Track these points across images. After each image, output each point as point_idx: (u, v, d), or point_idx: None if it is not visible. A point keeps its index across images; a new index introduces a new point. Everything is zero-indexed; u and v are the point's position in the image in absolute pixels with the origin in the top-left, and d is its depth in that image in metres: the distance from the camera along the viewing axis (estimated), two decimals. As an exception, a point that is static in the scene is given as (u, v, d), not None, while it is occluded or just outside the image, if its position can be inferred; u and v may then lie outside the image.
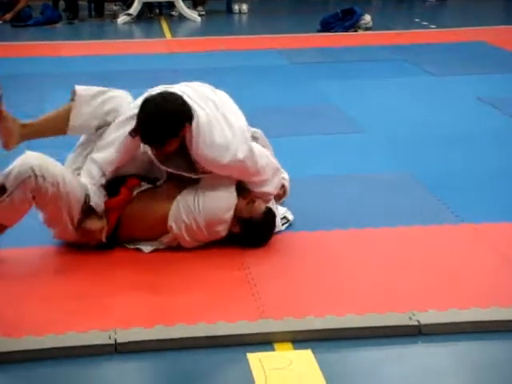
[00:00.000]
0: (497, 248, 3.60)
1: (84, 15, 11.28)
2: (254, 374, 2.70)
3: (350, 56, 8.12)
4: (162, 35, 9.98)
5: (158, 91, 3.56)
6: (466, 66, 7.46)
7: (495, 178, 4.48)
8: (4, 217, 3.48)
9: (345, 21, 9.66)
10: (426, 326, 2.93)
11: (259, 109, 5.49)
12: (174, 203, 3.58)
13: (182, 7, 11.07)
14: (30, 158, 3.44)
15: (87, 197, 3.54)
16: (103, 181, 3.58)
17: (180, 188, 3.63)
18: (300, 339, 2.89)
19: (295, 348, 2.85)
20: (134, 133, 3.50)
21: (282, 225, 3.81)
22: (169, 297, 3.21)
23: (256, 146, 3.66)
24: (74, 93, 3.65)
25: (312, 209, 4.02)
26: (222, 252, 3.57)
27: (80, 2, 11.29)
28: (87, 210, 3.56)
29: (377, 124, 5.57)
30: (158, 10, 11.64)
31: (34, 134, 3.66)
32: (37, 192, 3.42)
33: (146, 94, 3.59)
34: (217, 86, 3.85)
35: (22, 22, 10.56)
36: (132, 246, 3.63)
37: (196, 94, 3.61)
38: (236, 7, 11.68)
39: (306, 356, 2.79)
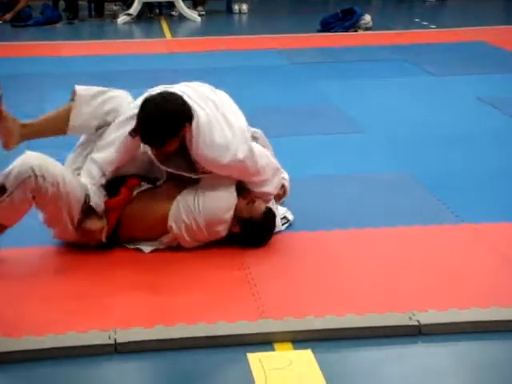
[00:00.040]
0: (497, 248, 3.60)
1: (84, 15, 11.28)
2: (254, 373, 2.70)
3: (350, 56, 8.12)
4: (162, 35, 9.98)
5: (158, 91, 3.56)
6: (466, 66, 7.46)
7: (495, 178, 4.48)
8: (4, 217, 3.48)
9: (345, 21, 9.67)
10: (425, 326, 2.93)
11: (259, 109, 5.49)
12: (174, 203, 3.58)
13: (182, 7, 11.07)
14: (29, 158, 3.44)
15: (87, 197, 3.54)
16: (103, 181, 3.58)
17: (180, 188, 3.63)
18: (300, 339, 2.89)
19: (295, 348, 2.85)
20: (133, 133, 3.50)
21: (282, 225, 3.81)
22: (169, 297, 3.21)
23: (256, 146, 3.66)
24: (73, 93, 3.65)
25: (312, 209, 4.02)
26: (222, 252, 3.57)
27: (80, 2, 11.29)
28: (87, 210, 3.56)
29: (377, 124, 5.57)
30: (157, 10, 11.64)
31: (34, 134, 3.66)
32: (37, 192, 3.42)
33: (145, 94, 3.59)
34: (217, 86, 3.85)
35: (22, 21, 10.56)
36: (132, 246, 3.63)
37: (196, 94, 3.61)
38: (236, 7, 11.68)
39: (305, 356, 2.79)
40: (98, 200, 3.56)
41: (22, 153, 3.49)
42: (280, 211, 3.85)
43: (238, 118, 3.66)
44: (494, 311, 3.01)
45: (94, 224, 3.56)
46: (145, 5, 11.07)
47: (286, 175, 3.94)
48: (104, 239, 3.59)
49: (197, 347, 2.86)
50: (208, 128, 3.48)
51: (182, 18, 11.10)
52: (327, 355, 2.80)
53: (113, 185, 3.63)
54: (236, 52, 8.52)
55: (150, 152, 3.61)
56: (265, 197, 3.67)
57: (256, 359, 2.77)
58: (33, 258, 3.61)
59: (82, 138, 3.74)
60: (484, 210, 4.01)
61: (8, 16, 10.64)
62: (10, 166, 3.43)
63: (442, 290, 3.20)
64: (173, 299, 3.18)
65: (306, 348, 2.83)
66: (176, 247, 3.60)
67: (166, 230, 3.59)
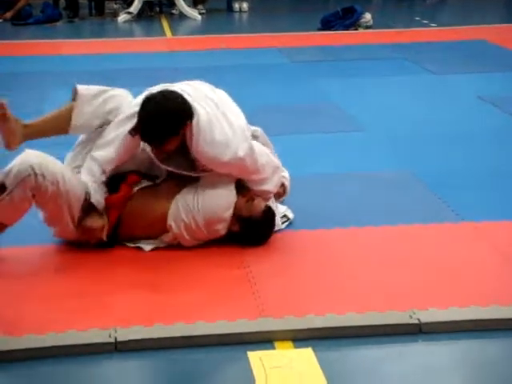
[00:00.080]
0: (497, 246, 3.60)
1: (84, 13, 11.28)
2: (255, 372, 2.70)
3: (350, 54, 8.12)
4: (163, 34, 9.98)
5: (159, 90, 3.56)
6: (466, 65, 7.46)
7: (495, 177, 4.47)
8: (4, 215, 3.48)
9: (345, 19, 9.66)
10: (426, 324, 2.92)
11: (260, 107, 5.49)
12: (174, 202, 3.58)
13: (183, 5, 11.07)
14: (29, 157, 3.44)
15: (87, 194, 3.54)
16: (103, 178, 3.58)
17: (180, 187, 3.62)
18: (300, 338, 2.89)
19: (295, 346, 2.85)
20: (134, 131, 3.50)
21: (282, 223, 3.80)
22: (169, 295, 3.21)
23: (256, 145, 3.66)
24: (75, 92, 3.65)
25: (312, 207, 4.01)
26: (221, 250, 3.57)
27: (80, 1, 11.29)
28: (88, 208, 3.56)
29: (377, 122, 5.56)
30: (158, 9, 11.64)
31: (36, 133, 3.67)
32: (36, 190, 3.42)
33: (145, 93, 3.59)
34: (217, 84, 3.85)
35: (23, 20, 10.56)
36: (132, 245, 3.63)
37: (196, 92, 3.61)
38: (236, 5, 11.68)
39: (306, 354, 2.79)
40: (98, 197, 3.56)
41: (22, 151, 3.50)
42: (280, 210, 3.85)
43: (237, 116, 3.66)
44: (494, 309, 3.01)
45: (94, 222, 3.56)
46: (145, 3, 11.07)
47: (286, 174, 3.94)
48: (105, 237, 3.59)
49: (196, 346, 2.86)
50: (208, 126, 3.48)
51: (182, 16, 11.10)
52: (327, 353, 2.80)
53: (113, 182, 3.63)
54: (236, 50, 8.52)
55: (149, 151, 3.61)
56: (264, 195, 3.67)
57: (256, 358, 2.77)
58: (33, 256, 3.61)
59: (82, 136, 3.74)
60: (484, 209, 4.01)
61: (8, 14, 10.65)
62: (10, 165, 3.43)
63: (442, 289, 3.20)
64: (173, 298, 3.18)
65: (306, 346, 2.83)
66: (176, 246, 3.60)
67: (165, 229, 3.58)
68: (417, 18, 10.49)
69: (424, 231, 3.78)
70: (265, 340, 2.87)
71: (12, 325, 2.96)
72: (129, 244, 3.64)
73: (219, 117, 3.55)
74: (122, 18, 10.80)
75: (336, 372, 2.71)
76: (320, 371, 2.70)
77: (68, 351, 2.81)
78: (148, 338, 2.86)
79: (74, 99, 3.65)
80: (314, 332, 2.90)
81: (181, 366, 2.79)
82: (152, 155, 3.62)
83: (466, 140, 5.13)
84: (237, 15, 11.54)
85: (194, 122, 3.47)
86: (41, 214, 3.59)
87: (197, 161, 3.58)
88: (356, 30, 9.62)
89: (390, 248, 3.62)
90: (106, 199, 3.59)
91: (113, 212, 3.60)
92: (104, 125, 3.62)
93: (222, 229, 3.57)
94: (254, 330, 2.90)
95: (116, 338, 2.84)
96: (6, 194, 3.40)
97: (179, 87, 3.61)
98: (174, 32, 10.10)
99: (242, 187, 3.64)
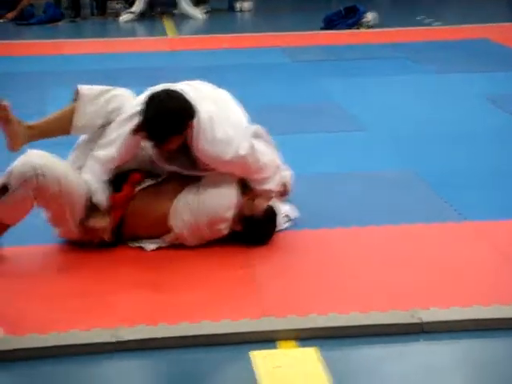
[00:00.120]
0: (499, 246, 3.60)
1: (86, 13, 11.29)
2: (258, 372, 2.70)
3: (352, 54, 8.12)
4: (165, 33, 9.98)
5: (161, 89, 3.56)
6: (468, 64, 7.45)
7: (498, 176, 4.47)
8: (6, 215, 3.49)
9: (348, 18, 9.66)
10: (428, 323, 2.93)
11: (262, 107, 5.49)
12: (175, 202, 3.58)
13: (185, 5, 11.08)
14: (32, 157, 3.44)
15: (90, 194, 3.54)
16: (106, 177, 3.59)
17: (183, 186, 3.63)
18: (303, 337, 2.89)
19: (299, 346, 2.86)
20: (137, 130, 3.50)
21: (284, 223, 3.80)
22: (172, 295, 3.21)
23: (257, 144, 3.66)
24: (77, 92, 3.66)
25: (315, 207, 4.01)
26: (224, 250, 3.57)
27: (82, 1, 11.30)
28: (90, 208, 3.57)
29: (379, 122, 5.56)
30: (160, 9, 11.64)
31: (38, 135, 3.68)
32: (39, 191, 3.43)
33: (148, 92, 3.60)
34: (220, 83, 3.85)
35: (25, 20, 10.58)
36: (135, 244, 3.64)
37: (196, 92, 3.61)
38: (238, 5, 11.68)
39: (309, 354, 2.79)
40: (100, 197, 3.56)
41: (25, 152, 3.50)
42: (282, 209, 3.84)
43: (239, 115, 3.66)
44: (495, 309, 3.01)
45: (97, 222, 3.56)
46: (147, 3, 11.07)
47: (288, 173, 3.94)
48: (108, 238, 3.59)
49: (200, 345, 2.86)
50: (209, 124, 3.49)
51: (184, 16, 11.10)
52: (330, 353, 2.80)
53: (115, 181, 3.63)
54: (238, 50, 8.52)
55: (151, 150, 3.62)
56: (266, 194, 3.67)
57: (260, 357, 2.77)
58: (36, 256, 3.61)
59: (84, 136, 3.75)
60: (487, 208, 4.01)
61: (11, 15, 10.66)
62: (13, 165, 3.44)
63: (444, 288, 3.20)
64: (176, 297, 3.19)
65: (309, 346, 2.83)
66: (179, 245, 3.60)
67: (168, 229, 3.59)
68: (419, 17, 10.48)
69: (426, 231, 3.78)
70: (268, 339, 2.88)
71: (14, 324, 2.96)
72: (131, 244, 3.64)
73: (220, 116, 3.56)
74: (124, 17, 10.80)
75: (339, 371, 2.71)
76: (323, 370, 2.70)
77: (70, 351, 2.82)
78: (150, 338, 2.86)
79: (75, 99, 3.66)
80: (317, 331, 2.91)
81: (184, 366, 2.79)
82: (154, 154, 3.62)
83: (468, 139, 5.12)
84: (239, 15, 11.54)
85: (195, 120, 3.47)
86: (44, 215, 3.59)
87: (198, 160, 3.58)
88: (358, 29, 9.62)
89: (392, 247, 3.62)
90: (108, 199, 3.59)
91: (115, 212, 3.60)
92: (106, 124, 3.62)
93: (224, 228, 3.57)
94: (257, 330, 2.91)
95: (119, 338, 2.85)
96: (8, 194, 3.41)
97: (180, 87, 3.61)
98: (176, 32, 10.10)
99: (244, 186, 3.64)
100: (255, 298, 3.17)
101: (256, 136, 3.74)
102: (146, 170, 3.70)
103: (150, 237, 3.63)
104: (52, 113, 3.76)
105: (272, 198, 3.73)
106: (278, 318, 2.97)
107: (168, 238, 3.61)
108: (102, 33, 10.28)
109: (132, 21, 10.79)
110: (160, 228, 3.61)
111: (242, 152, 3.52)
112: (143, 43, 9.32)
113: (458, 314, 2.98)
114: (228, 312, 3.02)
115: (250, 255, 3.53)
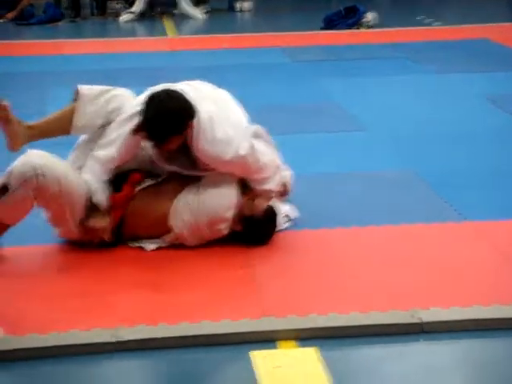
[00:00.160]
0: (499, 246, 3.60)
1: (86, 13, 11.29)
2: (258, 372, 2.70)
3: (352, 54, 8.12)
4: (165, 33, 9.98)
5: (161, 89, 3.57)
6: (469, 64, 7.45)
7: (498, 176, 4.47)
8: (6, 215, 3.49)
9: (348, 18, 9.66)
10: (428, 323, 2.93)
11: (262, 107, 5.49)
12: (175, 202, 3.58)
13: (185, 5, 11.08)
14: (32, 157, 3.45)
15: (90, 194, 3.54)
16: (106, 177, 3.59)
17: (183, 186, 3.63)
18: (303, 337, 2.89)
19: (299, 346, 2.86)
20: (137, 130, 3.51)
21: (284, 223, 3.80)
22: (172, 295, 3.21)
23: (257, 144, 3.66)
24: (77, 92, 3.66)
25: (315, 207, 4.01)
26: (224, 250, 3.58)
27: (82, 1, 11.30)
28: (90, 208, 3.57)
29: (379, 122, 5.56)
30: (160, 8, 11.64)
31: (39, 135, 3.68)
32: (39, 191, 3.43)
33: (148, 92, 3.60)
34: (219, 83, 3.85)
35: (25, 20, 10.58)
36: (135, 244, 3.64)
37: (196, 92, 3.61)
38: (237, 5, 11.68)
39: (309, 354, 2.79)
40: (100, 197, 3.56)
41: (25, 152, 3.50)
42: (282, 209, 3.84)
43: (239, 115, 3.67)
44: (495, 309, 3.01)
45: (97, 222, 3.56)
46: (147, 3, 11.07)
47: (288, 173, 3.94)
48: (108, 238, 3.59)
49: (200, 345, 2.86)
50: (209, 124, 3.49)
51: (184, 16, 11.11)
52: (331, 353, 2.80)
53: (116, 181, 3.63)
54: (238, 50, 8.52)
55: (150, 150, 3.62)
56: (266, 194, 3.67)
57: (260, 357, 2.77)
58: (35, 256, 3.62)
59: (84, 136, 3.75)
60: (487, 208, 4.01)
61: (11, 15, 10.67)
62: (13, 165, 3.44)
63: (444, 288, 3.20)
64: (176, 297, 3.19)
65: (309, 346, 2.84)
66: (179, 245, 3.60)
67: (168, 229, 3.59)
68: (419, 17, 10.48)
69: (426, 231, 3.78)
70: (268, 339, 2.88)
71: (14, 324, 2.96)
72: (131, 243, 3.64)
73: (220, 116, 3.56)
74: (124, 17, 10.81)
75: (339, 371, 2.71)
76: (323, 370, 2.70)
77: (70, 351, 2.82)
78: (150, 338, 2.86)
79: (75, 100, 3.66)
80: (317, 331, 2.91)
81: (184, 366, 2.80)
82: (154, 154, 3.62)
83: (468, 139, 5.12)
84: (239, 15, 11.54)
85: (195, 120, 3.47)
86: (44, 215, 3.59)
87: (198, 160, 3.58)
88: (358, 29, 9.62)
89: (392, 247, 3.62)
90: (108, 199, 3.59)
91: (115, 212, 3.60)
92: (106, 124, 3.62)
93: (224, 228, 3.57)
94: (257, 330, 2.91)
95: (118, 338, 2.85)
96: (8, 194, 3.41)
97: (180, 87, 3.61)
98: (176, 32, 10.10)
99: (244, 186, 3.64)
100: (255, 297, 3.17)
101: (256, 136, 3.74)
102: (146, 170, 3.71)
103: (150, 237, 3.63)
104: (52, 113, 3.76)
105: (272, 198, 3.73)
106: (278, 318, 2.97)
107: (168, 238, 3.61)
108: (102, 33, 10.28)
109: (132, 21, 10.79)
110: (160, 228, 3.61)
111: (242, 152, 3.52)
112: (143, 43, 9.33)
113: (458, 314, 2.98)
114: (228, 312, 3.02)
115: (250, 255, 3.53)
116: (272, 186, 3.70)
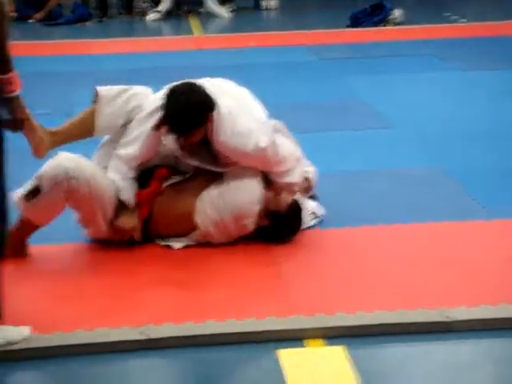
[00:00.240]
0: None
1: (113, 13, 11.34)
2: (285, 370, 2.70)
3: (378, 51, 8.08)
4: (191, 32, 10.00)
5: (181, 82, 3.58)
6: (496, 61, 7.39)
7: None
8: (37, 217, 3.53)
9: (374, 16, 9.63)
10: (455, 322, 2.91)
11: (288, 104, 5.49)
12: (200, 198, 3.59)
13: (211, 4, 11.10)
14: (62, 160, 3.48)
15: (118, 192, 3.57)
16: (131, 175, 3.61)
17: (209, 183, 3.63)
18: (331, 335, 2.89)
19: (326, 344, 2.85)
20: (159, 124, 3.52)
21: (311, 220, 3.80)
22: (199, 293, 3.22)
23: (277, 137, 3.65)
24: (96, 94, 3.68)
25: (340, 205, 4.01)
26: (251, 248, 3.58)
27: (109, 0, 11.36)
28: (119, 206, 3.59)
29: (406, 119, 5.54)
30: (186, 7, 11.66)
31: (62, 140, 3.70)
32: (70, 193, 3.46)
33: (167, 87, 3.60)
34: (245, 82, 3.86)
35: (54, 20, 10.64)
36: (162, 243, 3.65)
37: (214, 88, 3.62)
38: (263, 3, 11.67)
39: (337, 352, 2.79)
40: (128, 195, 3.58)
41: (54, 155, 3.53)
42: (308, 206, 3.83)
43: (258, 111, 3.69)
44: (524, 307, 2.99)
45: (126, 222, 3.58)
46: (174, 2, 11.11)
47: (311, 168, 3.93)
48: (137, 237, 3.61)
49: (227, 343, 2.87)
50: (229, 117, 3.51)
51: (210, 14, 11.12)
52: (358, 351, 2.80)
53: (142, 177, 3.65)
54: (264, 48, 8.52)
55: (173, 146, 3.63)
56: (289, 187, 3.66)
57: (286, 356, 2.77)
58: (64, 254, 3.64)
59: (106, 136, 3.77)
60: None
61: (39, 15, 10.73)
62: (44, 167, 3.48)
63: (472, 287, 3.19)
64: (203, 295, 3.20)
65: (336, 344, 2.83)
66: (205, 243, 3.61)
67: (193, 226, 3.60)
68: (446, 14, 10.41)
69: (454, 229, 3.76)
70: (295, 338, 2.88)
71: (43, 322, 2.99)
72: (159, 242, 3.66)
73: (240, 109, 3.58)
74: (151, 16, 10.85)
75: (367, 370, 2.71)
76: (351, 369, 2.69)
77: (98, 348, 2.83)
78: (178, 336, 2.87)
79: (95, 101, 3.68)
80: (344, 330, 2.90)
81: (210, 364, 2.80)
82: (176, 150, 3.63)
83: (495, 137, 5.08)
84: (264, 13, 11.53)
85: (215, 113, 3.49)
86: (75, 216, 3.62)
87: (219, 154, 3.59)
88: (385, 26, 9.58)
89: (419, 246, 3.60)
90: (136, 195, 3.61)
91: (143, 208, 3.62)
92: (128, 123, 3.64)
93: (250, 224, 3.56)
94: (285, 328, 2.91)
95: (148, 336, 2.86)
96: (40, 196, 3.45)
97: (199, 82, 3.63)
98: (202, 30, 10.12)
99: (268, 181, 3.64)
100: (282, 295, 3.17)
101: (275, 130, 3.73)
102: (172, 167, 3.72)
103: (177, 234, 3.64)
104: (75, 116, 3.79)
105: (296, 192, 3.72)
106: (305, 316, 2.97)
107: (195, 236, 3.62)
108: (129, 32, 10.32)
109: (158, 20, 10.82)
110: (186, 225, 3.62)
111: (262, 144, 3.53)
112: (169, 42, 9.35)
113: (486, 312, 2.97)
114: (255, 310, 3.03)
115: (276, 253, 3.53)
116: (293, 179, 3.68)
